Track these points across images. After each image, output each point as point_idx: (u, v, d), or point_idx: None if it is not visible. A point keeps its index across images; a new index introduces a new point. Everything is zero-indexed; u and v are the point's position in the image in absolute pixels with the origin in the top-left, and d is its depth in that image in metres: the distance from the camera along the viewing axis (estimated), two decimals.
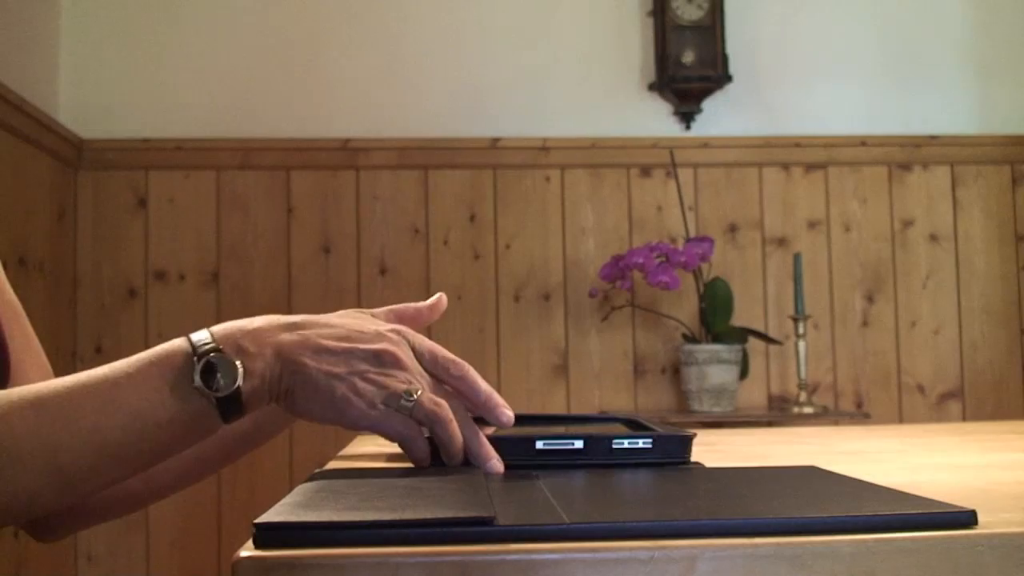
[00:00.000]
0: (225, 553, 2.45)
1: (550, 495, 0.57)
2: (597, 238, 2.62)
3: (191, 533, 2.47)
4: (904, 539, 0.46)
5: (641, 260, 2.36)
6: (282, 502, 0.53)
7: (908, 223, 2.69)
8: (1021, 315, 2.69)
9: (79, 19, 2.57)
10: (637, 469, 0.70)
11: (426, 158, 2.59)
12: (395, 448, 0.84)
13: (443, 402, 0.69)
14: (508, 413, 0.73)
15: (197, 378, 0.65)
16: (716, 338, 2.43)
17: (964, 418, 2.64)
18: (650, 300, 2.57)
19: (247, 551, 0.45)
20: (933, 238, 2.69)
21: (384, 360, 0.69)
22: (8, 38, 2.22)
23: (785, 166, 2.68)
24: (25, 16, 2.34)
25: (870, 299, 2.66)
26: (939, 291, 2.67)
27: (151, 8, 2.59)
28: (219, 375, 0.65)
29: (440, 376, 0.72)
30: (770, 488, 0.62)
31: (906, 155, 2.69)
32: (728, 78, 2.62)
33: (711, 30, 2.61)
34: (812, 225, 2.67)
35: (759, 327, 2.58)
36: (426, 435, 0.70)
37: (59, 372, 2.39)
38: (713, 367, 2.39)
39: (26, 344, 0.95)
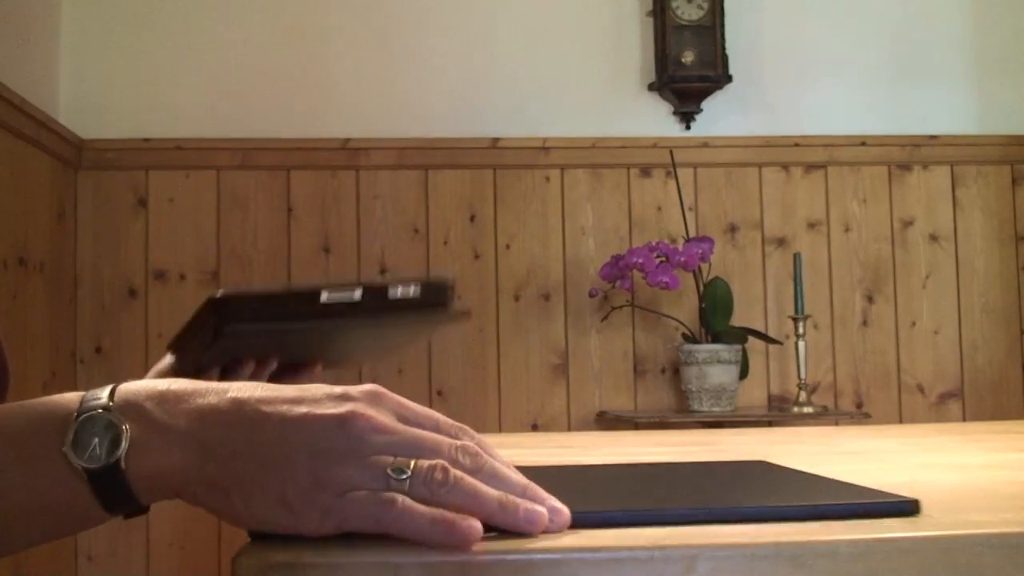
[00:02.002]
0: (225, 553, 2.45)
1: None
2: (597, 238, 2.62)
3: (191, 533, 2.47)
4: (904, 539, 0.46)
5: (641, 260, 2.36)
6: None
7: (908, 223, 2.69)
8: (1021, 315, 2.69)
9: (79, 19, 2.57)
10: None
11: (426, 158, 2.59)
12: None
13: (446, 465, 0.48)
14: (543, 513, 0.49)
15: (67, 443, 0.49)
16: (716, 338, 2.43)
17: (964, 418, 2.64)
18: (650, 300, 2.57)
19: (247, 551, 0.45)
20: (933, 238, 2.69)
21: (353, 428, 0.48)
22: (8, 38, 2.22)
23: (785, 166, 2.68)
24: (25, 16, 2.34)
25: (870, 299, 2.66)
26: (939, 291, 2.67)
27: (151, 8, 2.59)
28: (95, 441, 0.48)
29: None
30: (723, 481, 0.66)
31: (906, 155, 2.69)
32: (728, 78, 2.61)
33: (711, 30, 2.60)
34: (812, 225, 2.67)
35: (759, 327, 2.58)
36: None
37: (60, 373, 2.39)
38: (713, 367, 2.39)
39: None
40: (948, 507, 0.55)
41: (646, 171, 2.64)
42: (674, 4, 2.60)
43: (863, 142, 2.68)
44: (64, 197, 2.45)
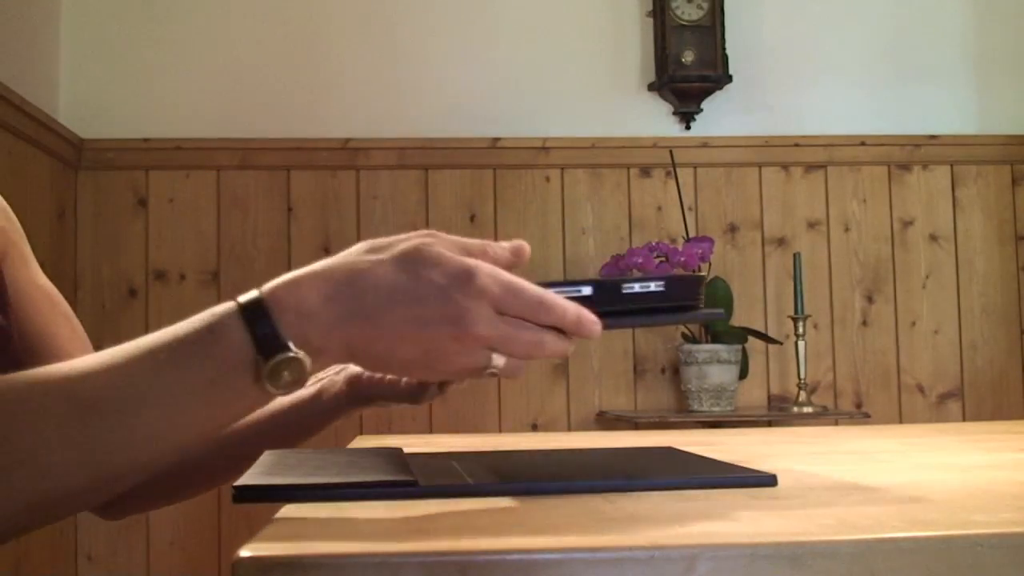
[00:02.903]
0: (225, 553, 2.45)
1: (459, 468, 0.71)
2: (597, 238, 2.62)
3: (191, 533, 2.47)
4: (904, 539, 0.46)
5: (641, 260, 2.36)
6: (250, 471, 0.70)
7: (908, 223, 2.69)
8: (1021, 315, 2.69)
9: (79, 19, 2.57)
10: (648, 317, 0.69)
11: (426, 158, 2.59)
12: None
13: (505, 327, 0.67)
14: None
15: (268, 385, 0.59)
16: (716, 338, 2.43)
17: (964, 418, 2.64)
18: None
19: (247, 551, 0.45)
20: (933, 238, 2.69)
21: (462, 321, 0.62)
22: (8, 38, 2.22)
23: (785, 166, 2.68)
24: (25, 16, 2.34)
25: (870, 299, 2.66)
26: (939, 291, 2.67)
27: (151, 8, 2.59)
28: (285, 374, 0.59)
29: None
30: (630, 461, 0.77)
31: (906, 155, 2.69)
32: (728, 78, 2.61)
33: (711, 30, 2.61)
34: (812, 225, 2.67)
35: (759, 327, 2.58)
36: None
37: None
38: (713, 367, 2.39)
39: (71, 331, 0.97)
40: (948, 507, 0.55)
41: (646, 171, 2.64)
42: (674, 4, 2.60)
43: (863, 142, 2.68)
44: (64, 197, 2.45)
